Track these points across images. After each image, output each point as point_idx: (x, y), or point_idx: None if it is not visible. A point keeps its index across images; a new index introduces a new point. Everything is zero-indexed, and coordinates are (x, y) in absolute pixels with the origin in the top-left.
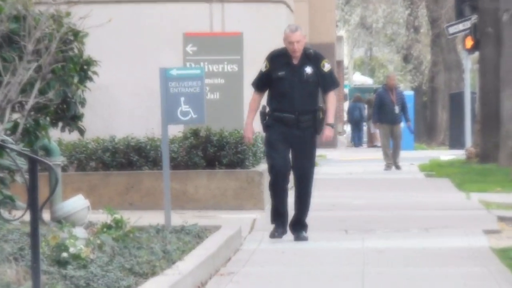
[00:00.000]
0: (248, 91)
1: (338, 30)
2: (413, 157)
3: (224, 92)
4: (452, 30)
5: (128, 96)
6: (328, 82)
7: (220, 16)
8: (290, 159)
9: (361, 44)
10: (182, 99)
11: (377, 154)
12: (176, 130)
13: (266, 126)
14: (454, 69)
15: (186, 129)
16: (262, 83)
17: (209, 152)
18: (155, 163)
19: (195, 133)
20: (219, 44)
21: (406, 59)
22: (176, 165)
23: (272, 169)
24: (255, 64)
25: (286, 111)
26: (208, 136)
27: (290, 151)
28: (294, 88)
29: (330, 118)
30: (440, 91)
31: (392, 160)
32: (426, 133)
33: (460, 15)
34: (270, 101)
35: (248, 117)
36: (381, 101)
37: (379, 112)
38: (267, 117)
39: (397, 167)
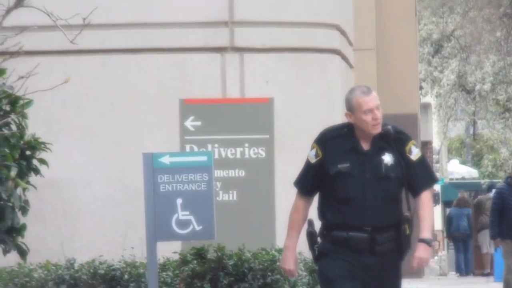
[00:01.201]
0: (282, 188)
1: (424, 94)
2: None
3: (245, 190)
4: None
5: (95, 197)
6: (421, 176)
7: (238, 73)
8: None
9: (459, 115)
10: (179, 201)
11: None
12: (169, 250)
13: (320, 255)
14: None
15: (186, 249)
16: (311, 180)
17: (222, 284)
18: None
19: (200, 254)
20: (237, 116)
21: None
22: None
23: None
24: (292, 147)
25: (353, 228)
26: (221, 259)
27: None
28: (367, 190)
29: (426, 231)
30: None
31: None
32: None
33: None
34: (323, 212)
35: (289, 237)
36: (503, 203)
37: (500, 221)
38: (319, 240)
39: None
